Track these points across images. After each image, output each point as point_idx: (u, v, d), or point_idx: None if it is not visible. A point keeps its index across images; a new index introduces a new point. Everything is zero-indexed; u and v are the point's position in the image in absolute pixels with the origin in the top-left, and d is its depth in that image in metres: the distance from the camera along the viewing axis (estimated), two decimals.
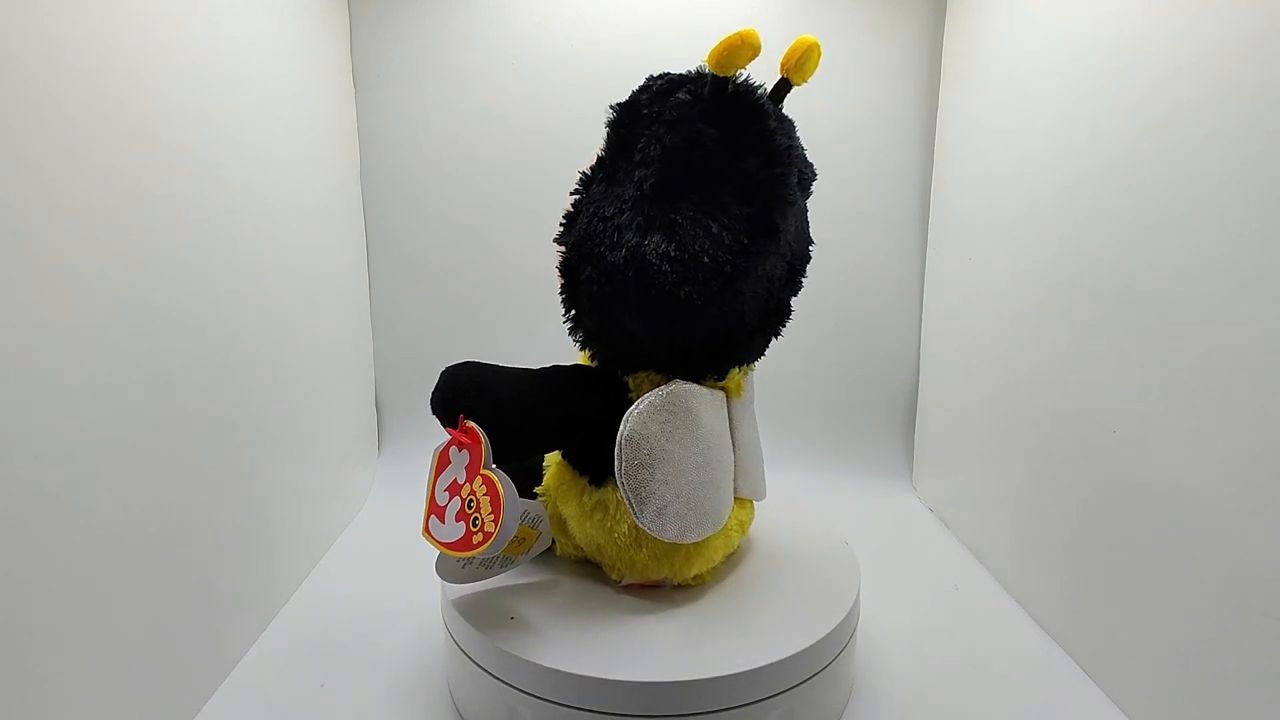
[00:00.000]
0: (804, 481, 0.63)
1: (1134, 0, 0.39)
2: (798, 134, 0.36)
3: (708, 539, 0.37)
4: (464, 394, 0.34)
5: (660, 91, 0.35)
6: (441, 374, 0.35)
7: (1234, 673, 0.32)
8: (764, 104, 0.34)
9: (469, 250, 0.69)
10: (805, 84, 0.35)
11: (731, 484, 0.38)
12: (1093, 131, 0.43)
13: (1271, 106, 0.31)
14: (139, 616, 0.34)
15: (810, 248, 0.39)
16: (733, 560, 0.42)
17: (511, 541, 0.37)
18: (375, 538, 0.59)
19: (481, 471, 0.33)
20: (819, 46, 0.34)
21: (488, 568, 0.38)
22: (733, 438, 0.39)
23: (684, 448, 0.35)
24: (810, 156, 0.37)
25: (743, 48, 0.31)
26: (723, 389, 0.38)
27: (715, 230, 0.33)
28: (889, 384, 0.72)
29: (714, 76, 0.33)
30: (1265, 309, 0.31)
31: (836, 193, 0.69)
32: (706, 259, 0.32)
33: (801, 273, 0.38)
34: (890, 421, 0.73)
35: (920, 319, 0.70)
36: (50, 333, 0.28)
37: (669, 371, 0.36)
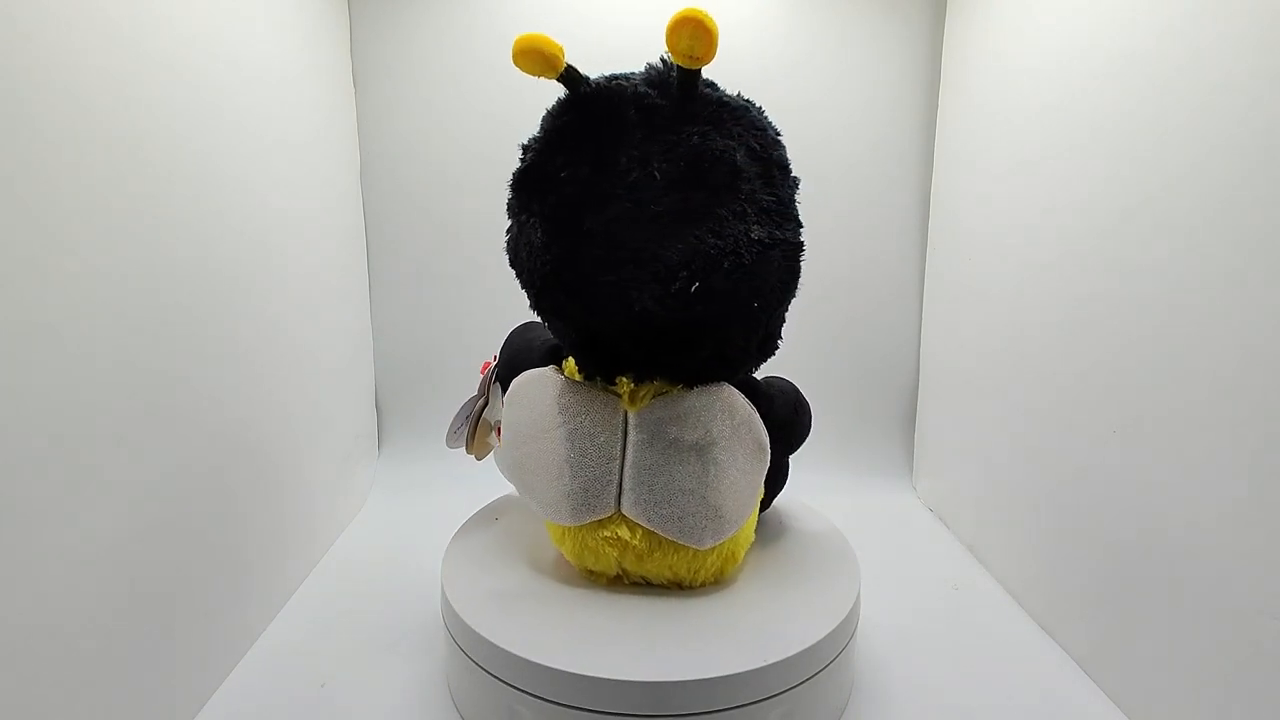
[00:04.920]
0: (804, 481, 0.63)
1: (1133, 0, 0.39)
2: (722, 128, 0.33)
3: (566, 536, 0.38)
4: (506, 340, 0.44)
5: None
6: None
7: (1234, 672, 0.32)
8: (616, 102, 0.33)
9: (469, 250, 0.69)
10: (707, 62, 0.30)
11: (580, 485, 0.36)
12: (1093, 132, 0.43)
13: (1272, 107, 0.31)
14: (139, 616, 0.34)
15: (701, 263, 0.31)
16: None
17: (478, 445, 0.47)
18: (375, 538, 0.59)
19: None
20: (695, 18, 0.28)
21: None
22: (625, 450, 0.36)
23: (521, 425, 0.38)
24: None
25: (527, 54, 0.31)
26: (614, 394, 0.36)
27: (530, 226, 0.33)
28: (889, 384, 0.72)
29: (561, 79, 0.33)
30: (1267, 310, 0.31)
31: (837, 193, 0.69)
32: (525, 254, 0.34)
33: (677, 291, 0.31)
34: (890, 421, 0.73)
35: (920, 319, 0.70)
36: (50, 333, 0.28)
37: (576, 362, 0.37)
